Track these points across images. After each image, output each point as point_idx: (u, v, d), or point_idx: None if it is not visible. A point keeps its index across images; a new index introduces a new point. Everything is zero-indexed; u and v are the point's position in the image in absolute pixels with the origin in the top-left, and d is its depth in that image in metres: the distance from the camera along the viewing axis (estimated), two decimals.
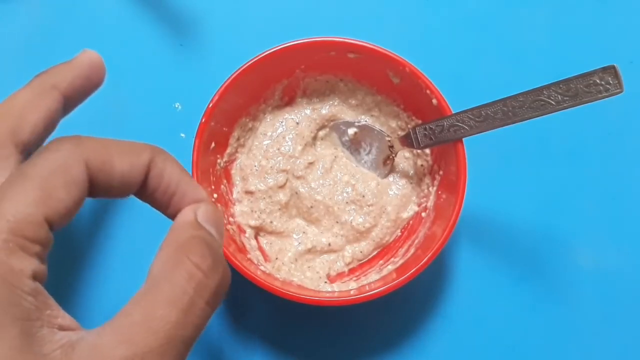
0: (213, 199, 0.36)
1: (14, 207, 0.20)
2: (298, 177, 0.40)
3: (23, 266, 0.19)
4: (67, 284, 0.39)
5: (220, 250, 0.24)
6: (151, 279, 0.21)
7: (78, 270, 0.39)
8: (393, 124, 0.41)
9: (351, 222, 0.39)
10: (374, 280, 0.36)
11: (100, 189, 0.23)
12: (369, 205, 0.39)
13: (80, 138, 0.23)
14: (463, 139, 0.35)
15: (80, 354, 0.19)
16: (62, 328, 0.20)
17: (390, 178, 0.41)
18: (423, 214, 0.39)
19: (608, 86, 0.30)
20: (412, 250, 0.37)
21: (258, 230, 0.40)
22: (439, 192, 0.38)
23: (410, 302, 0.40)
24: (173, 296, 0.21)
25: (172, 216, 0.24)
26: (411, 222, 0.40)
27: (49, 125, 0.28)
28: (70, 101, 0.29)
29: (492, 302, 0.40)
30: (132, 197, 0.24)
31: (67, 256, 0.39)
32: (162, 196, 0.24)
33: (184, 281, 0.21)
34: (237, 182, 0.40)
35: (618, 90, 0.29)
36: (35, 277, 0.20)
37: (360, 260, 0.40)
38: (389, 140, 0.40)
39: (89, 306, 0.39)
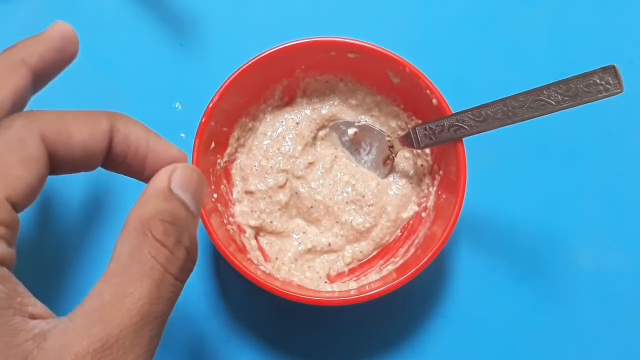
0: (213, 199, 0.37)
1: None
2: (298, 177, 0.40)
3: None
4: (57, 282, 0.39)
5: (191, 220, 0.23)
6: (117, 256, 0.21)
7: (70, 268, 0.39)
8: (393, 124, 0.41)
9: (351, 222, 0.39)
10: (374, 280, 0.36)
11: (63, 163, 0.22)
12: (369, 205, 0.39)
13: (33, 112, 0.22)
14: (463, 139, 0.35)
15: (52, 341, 0.19)
16: (33, 317, 0.19)
17: (390, 178, 0.41)
18: (423, 214, 0.39)
19: (608, 86, 0.30)
20: (412, 250, 0.37)
21: (258, 230, 0.40)
22: (439, 192, 0.38)
23: (410, 302, 0.40)
24: (142, 272, 0.20)
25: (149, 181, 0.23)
26: (411, 222, 0.40)
27: (18, 103, 0.26)
28: (41, 77, 0.27)
29: (492, 302, 0.40)
30: (115, 181, 0.23)
31: (59, 254, 0.39)
32: (133, 160, 0.24)
33: (151, 257, 0.20)
34: (237, 182, 0.40)
35: (618, 90, 0.29)
36: (1, 262, 0.19)
37: (360, 260, 0.40)
38: (389, 140, 0.40)
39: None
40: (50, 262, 0.39)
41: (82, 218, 0.40)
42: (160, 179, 0.22)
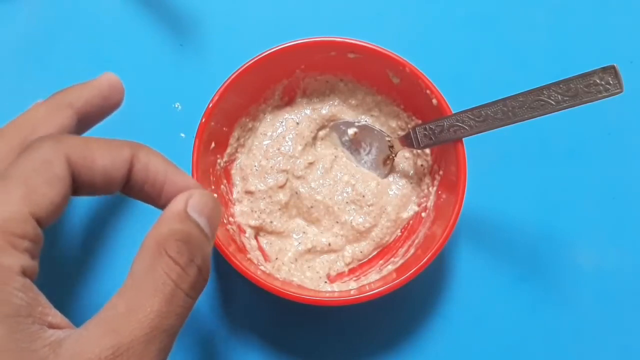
0: None
1: None
2: (298, 177, 0.40)
3: (12, 262, 0.20)
4: (68, 288, 0.39)
5: (205, 241, 0.24)
6: (133, 273, 0.22)
7: (80, 273, 0.39)
8: (393, 124, 0.41)
9: (351, 222, 0.39)
10: (374, 280, 0.36)
11: (84, 185, 0.23)
12: (369, 205, 0.39)
13: (61, 136, 0.23)
14: (463, 139, 0.35)
15: (67, 348, 0.20)
16: (52, 326, 0.20)
17: (390, 178, 0.41)
18: (423, 214, 0.39)
19: (608, 86, 0.30)
20: (412, 250, 0.37)
21: (258, 230, 0.40)
22: (439, 192, 0.38)
23: (410, 302, 0.40)
24: (155, 287, 0.21)
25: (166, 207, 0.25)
26: (411, 222, 0.40)
27: None
28: (85, 119, 0.30)
29: (492, 302, 0.40)
30: (135, 202, 0.25)
31: (69, 260, 0.39)
32: (151, 188, 0.25)
33: (164, 274, 0.22)
34: (237, 182, 0.40)
35: (618, 90, 0.29)
36: (24, 273, 0.20)
37: (360, 260, 0.40)
38: (389, 140, 0.40)
39: (90, 310, 0.39)
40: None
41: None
42: (177, 203, 0.24)
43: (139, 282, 0.22)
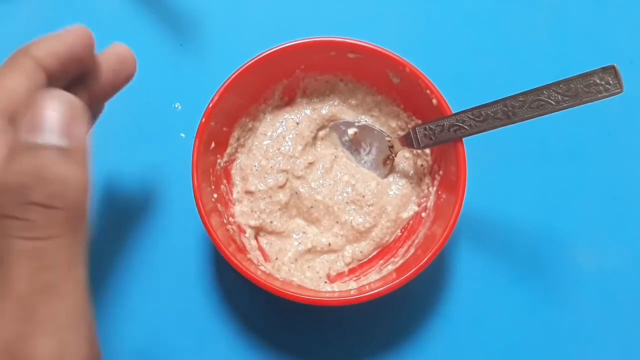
0: (213, 199, 0.36)
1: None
2: (298, 177, 0.40)
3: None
4: None
5: (40, 165, 0.21)
6: None
7: None
8: (393, 124, 0.41)
9: (351, 222, 0.39)
10: (374, 280, 0.36)
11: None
12: (369, 205, 0.39)
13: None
14: (463, 139, 0.35)
15: None
16: None
17: (390, 178, 0.41)
18: (423, 214, 0.39)
19: (608, 86, 0.30)
20: (412, 250, 0.37)
21: (258, 230, 0.40)
22: (439, 192, 0.38)
23: (410, 302, 0.40)
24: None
25: None
26: (411, 222, 0.40)
27: None
28: (97, 97, 0.29)
29: (492, 302, 0.40)
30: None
31: None
32: None
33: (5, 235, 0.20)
34: (237, 182, 0.40)
35: (618, 90, 0.29)
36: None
37: (360, 260, 0.40)
38: (389, 140, 0.40)
39: None
40: None
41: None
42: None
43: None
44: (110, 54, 0.30)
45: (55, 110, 0.21)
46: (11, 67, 0.26)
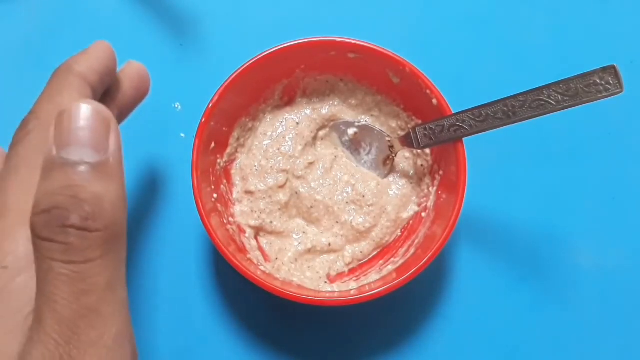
0: (213, 199, 0.36)
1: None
2: (298, 177, 0.40)
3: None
4: None
5: (75, 187, 0.20)
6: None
7: None
8: (393, 124, 0.41)
9: (351, 222, 0.39)
10: (374, 280, 0.36)
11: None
12: (369, 205, 0.39)
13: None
14: (463, 139, 0.35)
15: None
16: None
17: (390, 178, 0.41)
18: (423, 214, 0.39)
19: (608, 86, 0.30)
20: (412, 250, 0.37)
21: (258, 230, 0.40)
22: (439, 192, 0.38)
23: (410, 302, 0.40)
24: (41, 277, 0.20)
25: None
26: (411, 222, 0.40)
27: None
28: (122, 112, 0.31)
29: (492, 302, 0.40)
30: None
31: None
32: None
33: (45, 258, 0.20)
34: (237, 182, 0.40)
35: (618, 90, 0.29)
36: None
37: (360, 260, 0.40)
38: (389, 140, 0.40)
39: None
40: None
41: None
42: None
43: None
44: (131, 71, 0.32)
45: (87, 121, 0.20)
46: (62, 86, 0.27)
